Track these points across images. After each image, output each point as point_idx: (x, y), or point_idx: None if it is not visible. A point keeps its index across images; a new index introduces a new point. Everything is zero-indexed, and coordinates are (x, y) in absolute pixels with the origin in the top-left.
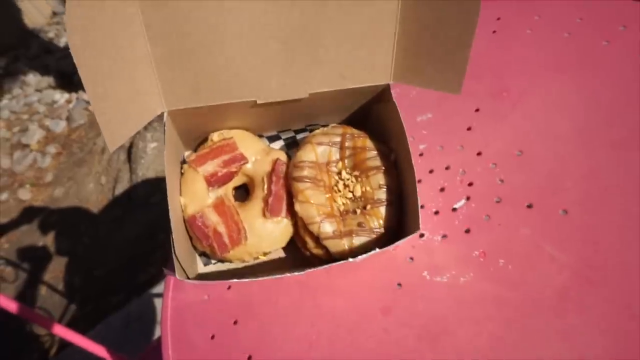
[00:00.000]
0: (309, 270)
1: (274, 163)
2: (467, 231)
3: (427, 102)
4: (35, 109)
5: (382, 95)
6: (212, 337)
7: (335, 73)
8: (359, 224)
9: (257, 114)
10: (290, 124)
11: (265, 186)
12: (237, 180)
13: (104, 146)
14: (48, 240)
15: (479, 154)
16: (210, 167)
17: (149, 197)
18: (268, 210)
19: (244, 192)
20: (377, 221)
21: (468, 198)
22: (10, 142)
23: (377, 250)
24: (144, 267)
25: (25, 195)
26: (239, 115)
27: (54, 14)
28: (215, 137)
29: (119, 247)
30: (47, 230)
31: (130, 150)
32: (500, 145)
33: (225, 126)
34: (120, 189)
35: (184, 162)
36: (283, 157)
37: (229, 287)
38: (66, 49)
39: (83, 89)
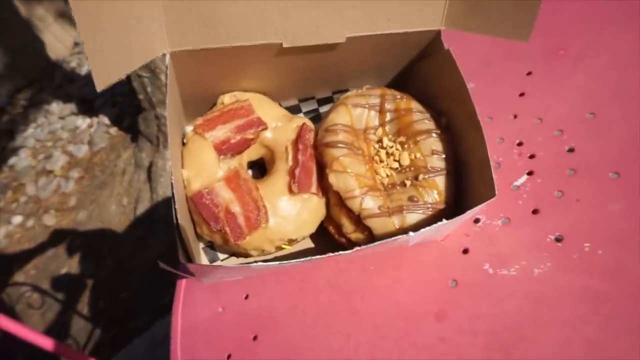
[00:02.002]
0: (357, 250)
1: (299, 129)
2: (535, 212)
3: (467, 68)
4: (58, 135)
5: (429, 47)
6: (229, 357)
7: (377, 14)
8: (411, 198)
9: (277, 71)
10: (315, 88)
11: (290, 156)
12: (253, 153)
13: (125, 167)
14: (73, 265)
15: (538, 121)
16: (221, 132)
17: (170, 216)
18: (296, 184)
19: (257, 173)
20: (433, 193)
21: (530, 173)
22: (36, 169)
23: (444, 221)
24: (168, 287)
25: (50, 220)
26: (256, 72)
27: (76, 44)
28: (226, 99)
29: (142, 268)
30: (71, 255)
31: (150, 169)
32: (565, 109)
33: (239, 87)
34: (141, 209)
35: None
36: (309, 122)
37: (247, 297)
38: (87, 76)
39: (103, 113)
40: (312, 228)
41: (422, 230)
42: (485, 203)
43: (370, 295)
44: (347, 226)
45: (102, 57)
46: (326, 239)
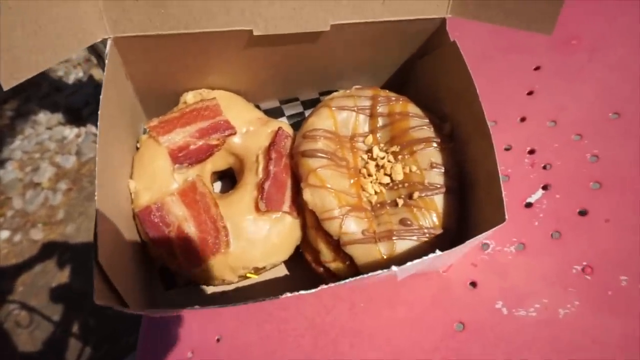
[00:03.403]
0: (324, 287)
1: (274, 135)
2: (556, 235)
3: None
4: (46, 146)
5: (432, 40)
6: None
7: None
8: (403, 221)
9: (250, 66)
10: (298, 88)
11: (261, 166)
12: (219, 162)
13: None
14: (61, 280)
15: (552, 124)
16: (179, 137)
17: None
18: (263, 201)
19: (229, 184)
20: (430, 216)
21: (546, 187)
22: (23, 182)
23: (438, 253)
24: None
25: (38, 234)
26: (224, 65)
27: None
28: (190, 97)
29: None
30: (60, 270)
31: None
32: (583, 108)
33: (205, 84)
34: None
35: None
36: (286, 127)
37: (219, 340)
38: (75, 85)
39: (91, 122)
40: (284, 254)
41: (411, 263)
42: (492, 230)
43: (360, 341)
44: (325, 253)
45: (16, 50)
46: (302, 265)
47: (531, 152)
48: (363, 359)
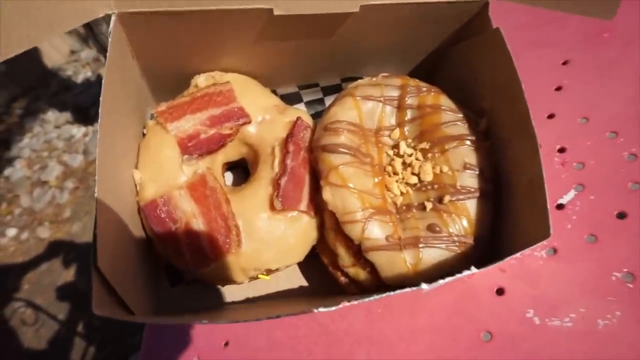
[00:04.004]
0: (346, 304)
1: (292, 125)
2: (591, 239)
3: None
4: (54, 145)
5: (470, 25)
6: None
7: None
8: (431, 227)
9: (268, 48)
10: (319, 73)
11: (277, 161)
12: (232, 152)
13: None
14: (67, 279)
15: (583, 121)
16: (188, 124)
17: None
18: (279, 199)
19: (242, 174)
20: (461, 222)
21: (581, 186)
22: (31, 180)
23: (474, 270)
24: None
25: (45, 233)
26: (240, 46)
27: (72, 52)
28: (202, 80)
29: None
30: (66, 268)
31: None
32: (618, 104)
33: (218, 66)
34: None
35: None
36: (306, 117)
37: (227, 344)
38: (83, 84)
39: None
40: (299, 256)
41: (443, 281)
42: (537, 245)
43: (377, 350)
44: (345, 258)
45: (8, 22)
46: (318, 265)
47: (561, 150)
48: None
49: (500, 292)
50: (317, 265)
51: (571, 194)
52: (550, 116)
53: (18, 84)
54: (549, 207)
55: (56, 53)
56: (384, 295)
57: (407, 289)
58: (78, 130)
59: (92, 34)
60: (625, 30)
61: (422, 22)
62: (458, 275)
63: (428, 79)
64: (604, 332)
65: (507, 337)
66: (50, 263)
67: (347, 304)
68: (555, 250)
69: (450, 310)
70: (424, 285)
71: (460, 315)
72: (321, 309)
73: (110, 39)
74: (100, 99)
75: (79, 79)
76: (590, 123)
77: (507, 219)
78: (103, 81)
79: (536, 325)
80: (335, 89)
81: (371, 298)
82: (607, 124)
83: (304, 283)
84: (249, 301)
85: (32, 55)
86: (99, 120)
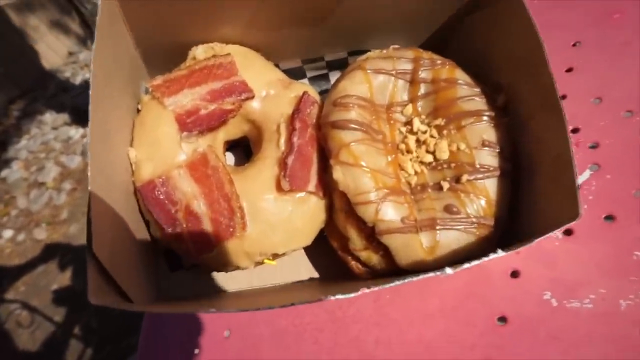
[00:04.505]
0: (366, 291)
1: (298, 101)
2: (610, 218)
3: None
4: (51, 146)
5: None
6: None
7: None
8: (448, 208)
9: (270, 17)
10: (324, 46)
11: (283, 139)
12: (233, 130)
13: None
14: (64, 281)
15: (596, 101)
16: (187, 99)
17: None
18: (286, 179)
19: (242, 154)
20: (480, 203)
21: (596, 166)
22: (28, 181)
23: (500, 252)
24: None
25: (41, 234)
26: (241, 16)
27: (70, 53)
28: (200, 52)
29: None
30: (62, 270)
31: None
32: (632, 83)
33: (218, 37)
34: None
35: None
36: (312, 92)
37: (229, 334)
38: (81, 86)
39: None
40: (307, 239)
41: (468, 264)
42: (565, 226)
43: (387, 337)
44: (356, 241)
45: None
46: (325, 250)
47: (574, 130)
48: (390, 359)
49: (515, 274)
50: (325, 249)
51: (586, 174)
52: (562, 97)
53: (16, 85)
54: (578, 184)
55: (54, 55)
56: (405, 280)
57: (431, 273)
58: (76, 132)
59: (90, 35)
60: (635, 11)
61: None
62: (484, 259)
63: (442, 51)
64: (627, 312)
65: (524, 320)
66: (47, 265)
67: (366, 290)
68: (571, 232)
69: (463, 293)
70: (448, 270)
71: (473, 298)
72: (339, 296)
73: (100, 6)
74: (91, 71)
75: (77, 80)
76: (603, 103)
77: (528, 199)
78: (92, 52)
79: (554, 307)
80: (341, 64)
81: (392, 284)
82: (621, 103)
83: (312, 268)
84: (253, 287)
85: (30, 57)
86: (90, 96)
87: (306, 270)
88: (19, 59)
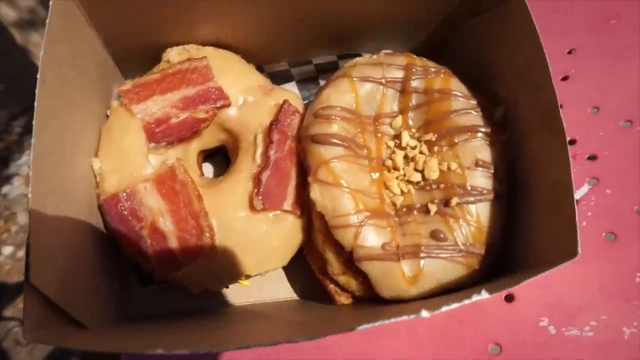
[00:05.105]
0: (362, 327)
1: (278, 110)
2: (611, 236)
3: None
4: None
5: None
6: None
7: None
8: (434, 234)
9: (253, 17)
10: (312, 48)
11: (259, 150)
12: (209, 138)
13: None
14: None
15: (594, 110)
16: (156, 106)
17: None
18: (259, 197)
19: (223, 163)
20: (469, 229)
21: (595, 180)
22: (28, 197)
23: (484, 294)
24: None
25: None
26: (220, 14)
27: None
28: (173, 55)
29: None
30: None
31: None
32: (631, 91)
33: (193, 38)
34: None
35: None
36: (294, 100)
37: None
38: None
39: None
40: (283, 260)
41: (447, 307)
42: (562, 265)
43: None
44: (334, 265)
45: None
46: (304, 265)
47: (571, 142)
48: None
49: (509, 298)
50: (305, 265)
51: (585, 188)
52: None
53: (18, 102)
54: (577, 218)
55: None
56: (385, 322)
57: (405, 317)
58: None
59: None
60: (632, 16)
61: None
62: (465, 301)
63: (436, 58)
64: (631, 341)
65: (519, 348)
66: None
67: (365, 326)
68: None
69: (454, 319)
70: (424, 313)
71: (464, 325)
72: (335, 334)
73: (51, 6)
74: (39, 72)
75: None
76: (601, 112)
77: (522, 225)
78: (41, 56)
79: (552, 336)
80: (331, 67)
81: (377, 323)
82: (620, 112)
83: (290, 286)
84: (228, 305)
85: (32, 74)
86: (36, 104)
87: (285, 287)
88: (21, 76)
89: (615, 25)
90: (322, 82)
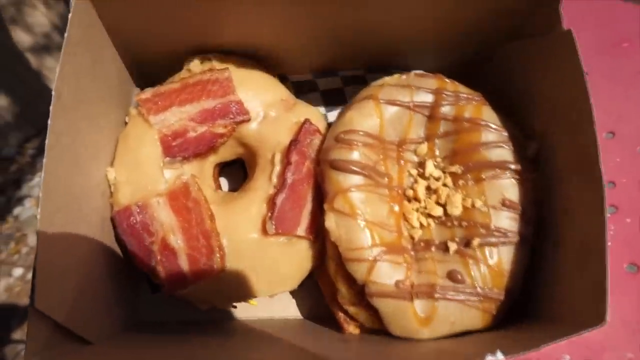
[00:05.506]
0: None
1: (298, 129)
2: (634, 268)
3: None
4: None
5: (532, 21)
6: None
7: None
8: (452, 275)
9: (279, 25)
10: (339, 59)
11: (276, 170)
12: (226, 151)
13: None
14: None
15: (609, 135)
16: (174, 117)
17: None
18: (272, 222)
19: (241, 174)
20: (489, 274)
21: (614, 208)
22: (37, 218)
23: (500, 356)
24: None
25: None
26: (246, 21)
27: None
28: (195, 64)
29: None
30: None
31: None
32: None
33: (216, 44)
34: None
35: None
36: (317, 117)
37: None
38: None
39: None
40: (292, 284)
41: None
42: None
43: None
44: (345, 295)
45: None
46: (313, 288)
47: None
48: None
49: None
50: (314, 285)
51: None
52: None
53: (32, 125)
54: (608, 284)
55: None
56: None
57: None
58: None
59: None
60: None
61: (471, 8)
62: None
63: (467, 79)
64: None
65: None
66: None
67: None
68: None
69: None
70: None
71: None
72: None
73: (70, 14)
74: (54, 85)
75: None
76: (617, 138)
77: (546, 273)
78: (59, 65)
79: None
80: (358, 80)
81: None
82: (636, 137)
83: (297, 305)
84: (235, 319)
85: (46, 97)
86: (50, 116)
87: (292, 305)
88: (36, 100)
89: (627, 48)
90: (347, 95)
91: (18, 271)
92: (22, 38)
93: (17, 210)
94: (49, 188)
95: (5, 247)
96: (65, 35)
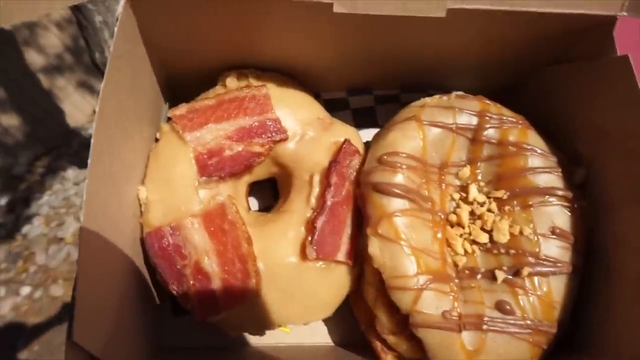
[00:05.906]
0: None
1: (337, 149)
2: None
3: None
4: (72, 202)
5: (582, 44)
6: None
7: None
8: (500, 305)
9: (318, 46)
10: (374, 78)
11: (315, 193)
12: (260, 170)
13: None
14: None
15: None
16: (210, 135)
17: None
18: (313, 246)
19: (268, 193)
20: (539, 305)
21: None
22: (47, 237)
23: None
24: None
25: (58, 291)
26: (284, 41)
27: (94, 112)
28: (231, 79)
29: None
30: None
31: None
32: None
33: (254, 61)
34: None
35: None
36: (355, 137)
37: None
38: None
39: None
40: (329, 311)
41: None
42: None
43: None
44: (385, 324)
45: None
46: (346, 317)
47: None
48: None
49: None
50: (348, 311)
51: None
52: None
53: (42, 144)
54: None
55: (79, 113)
56: None
57: None
58: None
59: None
60: None
61: (517, 34)
62: None
63: (509, 99)
64: None
65: None
66: (62, 323)
67: None
68: None
69: None
70: None
71: None
72: None
73: (117, 25)
74: (99, 102)
75: None
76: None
77: (599, 306)
78: (103, 82)
79: None
80: (390, 99)
81: None
82: None
83: (328, 330)
84: (262, 345)
85: (56, 117)
86: (95, 123)
87: (322, 331)
88: (46, 119)
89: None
90: (378, 113)
91: (25, 290)
92: (34, 59)
93: (25, 229)
94: (90, 210)
95: (14, 266)
96: (111, 49)
